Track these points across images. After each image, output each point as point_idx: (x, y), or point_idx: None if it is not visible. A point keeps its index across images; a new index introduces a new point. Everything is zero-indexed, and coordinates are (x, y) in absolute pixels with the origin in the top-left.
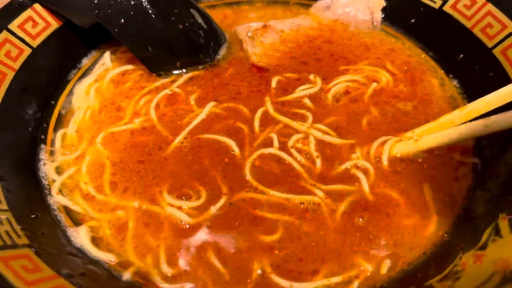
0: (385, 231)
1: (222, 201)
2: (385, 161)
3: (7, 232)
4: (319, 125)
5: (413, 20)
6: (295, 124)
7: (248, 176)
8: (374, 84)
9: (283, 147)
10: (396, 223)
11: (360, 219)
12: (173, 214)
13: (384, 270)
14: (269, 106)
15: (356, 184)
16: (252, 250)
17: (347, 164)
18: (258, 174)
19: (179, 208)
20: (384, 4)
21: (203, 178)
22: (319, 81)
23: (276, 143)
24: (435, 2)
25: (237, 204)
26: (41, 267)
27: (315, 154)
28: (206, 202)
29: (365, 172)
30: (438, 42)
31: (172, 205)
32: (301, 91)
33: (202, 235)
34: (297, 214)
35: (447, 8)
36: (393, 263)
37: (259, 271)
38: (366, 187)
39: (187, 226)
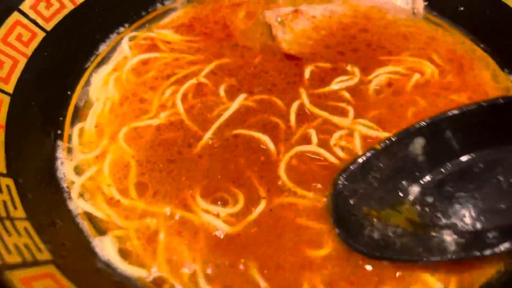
0: None
1: (261, 207)
2: None
3: (26, 246)
4: (362, 120)
5: (461, 8)
6: (336, 119)
7: (284, 177)
8: (417, 76)
9: (324, 144)
10: None
11: None
12: (209, 222)
13: None
14: (305, 99)
15: None
16: (299, 267)
17: None
18: (295, 175)
19: (216, 215)
20: None
21: (239, 179)
22: (357, 72)
23: (314, 139)
24: None
25: (278, 210)
26: None
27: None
28: (244, 207)
29: None
30: (491, 33)
31: (208, 212)
32: (339, 83)
33: (242, 247)
34: None
35: None
36: None
37: None
38: None
39: (225, 236)
